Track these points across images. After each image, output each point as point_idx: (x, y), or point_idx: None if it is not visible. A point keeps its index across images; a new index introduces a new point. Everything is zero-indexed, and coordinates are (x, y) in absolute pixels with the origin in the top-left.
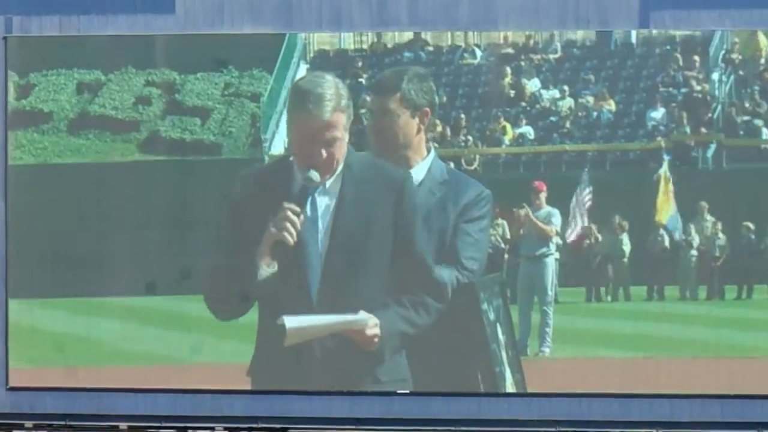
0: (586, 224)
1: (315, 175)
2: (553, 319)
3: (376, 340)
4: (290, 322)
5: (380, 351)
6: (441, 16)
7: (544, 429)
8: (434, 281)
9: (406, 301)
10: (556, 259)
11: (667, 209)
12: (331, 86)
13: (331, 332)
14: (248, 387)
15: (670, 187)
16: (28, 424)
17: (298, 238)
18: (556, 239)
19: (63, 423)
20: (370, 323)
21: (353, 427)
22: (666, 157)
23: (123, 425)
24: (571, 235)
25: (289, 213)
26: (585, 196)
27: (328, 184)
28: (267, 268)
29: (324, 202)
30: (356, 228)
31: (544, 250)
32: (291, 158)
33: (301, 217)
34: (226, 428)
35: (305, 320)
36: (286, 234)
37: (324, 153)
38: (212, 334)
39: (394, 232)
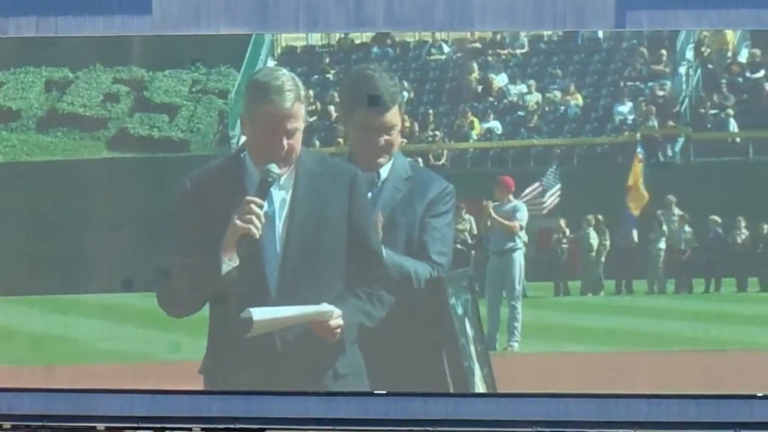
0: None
1: (274, 167)
2: (521, 313)
3: (338, 331)
4: (257, 314)
5: (341, 342)
6: (417, 17)
7: (521, 429)
8: (388, 274)
9: (362, 294)
10: (524, 254)
11: (641, 202)
12: (289, 78)
13: (297, 323)
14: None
15: (641, 178)
16: (6, 425)
17: None
18: (523, 234)
19: (41, 424)
20: (335, 314)
21: (330, 427)
22: (640, 151)
23: (100, 426)
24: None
25: (254, 206)
26: (553, 193)
27: (282, 178)
28: (229, 263)
29: (280, 196)
30: (311, 222)
31: (511, 245)
32: (242, 154)
33: (264, 209)
34: (203, 429)
35: (272, 312)
36: (251, 227)
37: (285, 144)
38: (190, 332)
39: (348, 226)
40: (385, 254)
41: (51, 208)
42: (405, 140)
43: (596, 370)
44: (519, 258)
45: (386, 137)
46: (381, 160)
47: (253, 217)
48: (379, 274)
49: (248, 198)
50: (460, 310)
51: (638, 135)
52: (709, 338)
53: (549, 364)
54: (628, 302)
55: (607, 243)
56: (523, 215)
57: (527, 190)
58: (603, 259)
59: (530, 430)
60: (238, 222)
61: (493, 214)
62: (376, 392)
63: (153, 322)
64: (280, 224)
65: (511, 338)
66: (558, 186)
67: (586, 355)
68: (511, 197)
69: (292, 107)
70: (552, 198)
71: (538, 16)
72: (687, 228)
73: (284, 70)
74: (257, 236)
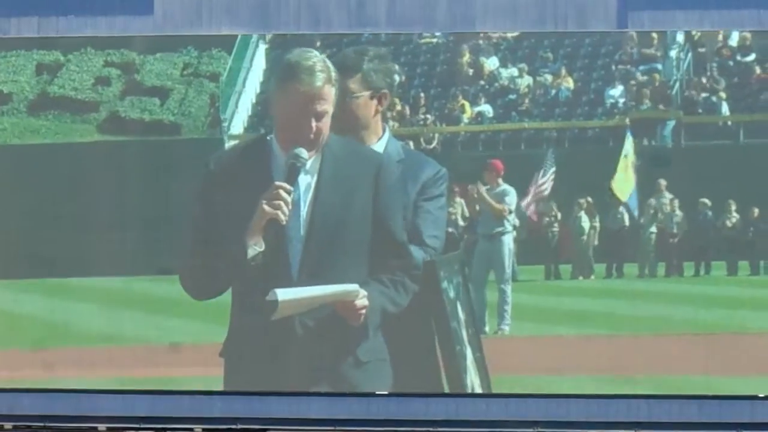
0: (542, 210)
1: (303, 152)
2: (511, 296)
3: (362, 312)
4: (282, 294)
5: (364, 327)
6: (419, 17)
7: (522, 430)
8: (412, 262)
9: (386, 280)
10: (514, 238)
11: (627, 188)
12: (320, 60)
13: (322, 303)
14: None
15: (630, 163)
16: (7, 425)
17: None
18: (512, 217)
19: (42, 425)
20: (360, 294)
21: (332, 427)
22: (629, 135)
23: (102, 427)
24: (527, 207)
25: (282, 192)
26: (548, 176)
27: (308, 163)
28: (255, 247)
29: (305, 180)
30: (336, 206)
31: (500, 228)
32: (269, 137)
33: (292, 195)
34: (205, 429)
35: (297, 292)
36: (279, 213)
37: (314, 126)
38: (188, 316)
39: (373, 212)
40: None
41: (42, 191)
42: (395, 123)
43: (587, 354)
44: (508, 241)
45: (345, 101)
46: (348, 132)
47: (281, 203)
48: (403, 261)
49: (277, 183)
50: (452, 294)
51: (628, 119)
52: (699, 322)
53: (540, 348)
54: (618, 286)
55: (597, 226)
56: (512, 199)
57: (541, 180)
58: (595, 242)
59: (531, 430)
60: (266, 207)
61: (484, 196)
62: (377, 393)
63: (152, 307)
64: (304, 208)
65: (501, 322)
66: (553, 169)
67: (578, 338)
68: (500, 180)
69: (322, 88)
70: (548, 181)
71: (539, 16)
72: (678, 212)
73: (316, 52)
74: (284, 222)
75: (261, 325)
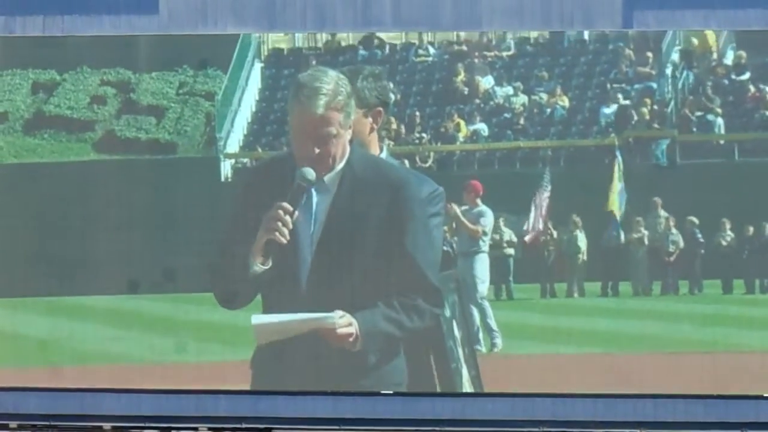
0: (542, 228)
1: (309, 172)
2: (491, 311)
3: (351, 339)
4: (255, 319)
5: (363, 353)
6: (424, 17)
7: (527, 429)
8: (429, 283)
9: (396, 303)
10: (509, 256)
11: (620, 203)
12: (330, 81)
13: (301, 330)
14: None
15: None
16: (13, 424)
17: (292, 233)
18: (487, 238)
19: (47, 423)
20: (341, 322)
21: (337, 427)
22: (617, 153)
23: (107, 425)
24: (528, 236)
25: (281, 212)
26: (544, 196)
27: (326, 179)
28: (261, 266)
29: (320, 199)
30: (349, 226)
31: (474, 248)
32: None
33: (296, 215)
34: (210, 428)
35: (271, 317)
36: (277, 234)
37: (316, 150)
38: (196, 334)
39: (388, 234)
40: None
41: (37, 211)
42: (391, 141)
43: (583, 372)
44: (482, 259)
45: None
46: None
47: (279, 224)
48: (416, 283)
49: (277, 203)
50: (447, 313)
51: (617, 139)
52: (694, 340)
53: (536, 366)
54: (613, 304)
55: (584, 244)
56: (487, 220)
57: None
58: (586, 260)
59: (537, 429)
60: (264, 229)
61: (459, 216)
62: (383, 392)
63: (158, 325)
64: (317, 226)
65: (491, 336)
66: (549, 188)
67: (573, 357)
68: (479, 201)
69: (323, 112)
70: (544, 201)
71: (545, 16)
72: (674, 230)
73: (332, 73)
74: (284, 242)
75: (272, 351)
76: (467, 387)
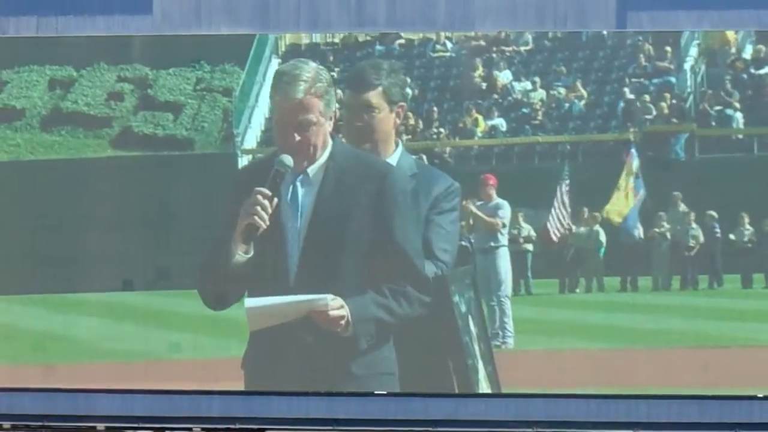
0: (567, 225)
1: (287, 158)
2: (511, 310)
3: (342, 322)
4: (249, 303)
5: (354, 338)
6: (418, 17)
7: (521, 429)
8: (417, 271)
9: (385, 290)
10: (528, 251)
11: (624, 209)
12: (310, 70)
13: (294, 314)
14: (240, 381)
15: (631, 183)
16: (6, 424)
17: (278, 225)
18: (506, 231)
19: (40, 424)
20: (333, 304)
21: (330, 427)
22: (633, 151)
23: (100, 426)
24: (550, 234)
25: (259, 197)
26: (564, 190)
27: (311, 173)
28: (243, 255)
29: (305, 191)
30: (336, 217)
31: (494, 243)
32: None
33: (275, 201)
34: (203, 429)
35: (264, 301)
36: (256, 218)
37: (297, 136)
38: (191, 330)
39: (374, 222)
40: (414, 253)
41: (55, 207)
42: (408, 137)
43: (601, 368)
44: (503, 255)
45: (365, 116)
46: (365, 145)
47: (258, 208)
48: (405, 271)
49: (256, 189)
50: (463, 308)
51: (631, 135)
52: (713, 335)
53: (553, 362)
54: (633, 299)
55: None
56: (505, 212)
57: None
58: (606, 256)
59: (530, 430)
60: (243, 214)
61: (475, 211)
62: (376, 392)
63: (153, 321)
64: (303, 219)
65: (504, 335)
66: (568, 182)
67: (591, 353)
68: (494, 195)
69: (302, 98)
70: (565, 195)
71: (539, 16)
72: (694, 224)
73: (312, 63)
74: (263, 227)
75: (275, 335)
76: (483, 383)
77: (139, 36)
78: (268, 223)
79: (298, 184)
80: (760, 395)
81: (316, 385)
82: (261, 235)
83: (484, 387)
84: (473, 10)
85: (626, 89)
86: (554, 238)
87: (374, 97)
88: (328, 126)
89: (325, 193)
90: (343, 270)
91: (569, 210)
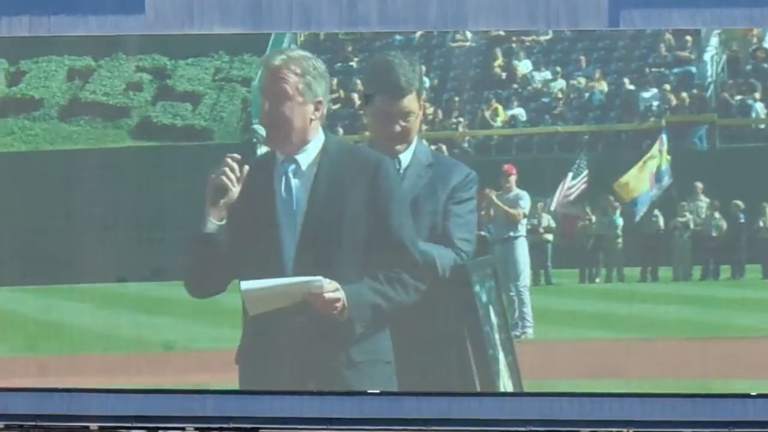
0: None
1: (260, 128)
2: (529, 299)
3: (338, 305)
4: (245, 285)
5: (350, 322)
6: (410, 15)
7: (515, 428)
8: (412, 259)
9: (380, 276)
10: (547, 241)
11: (636, 188)
12: (296, 51)
13: (290, 296)
14: (235, 375)
15: (652, 167)
16: None
17: (274, 216)
18: (526, 221)
19: (33, 423)
20: (329, 286)
21: (324, 427)
22: (664, 136)
23: (93, 426)
24: (555, 204)
25: (228, 160)
26: (579, 180)
27: (304, 165)
28: (215, 222)
29: (299, 183)
30: (331, 207)
31: (513, 233)
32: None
33: (245, 168)
34: (197, 428)
35: (260, 283)
36: (223, 178)
37: (267, 105)
38: (188, 320)
39: (369, 212)
40: (409, 241)
41: (74, 197)
42: (427, 127)
43: (621, 357)
44: (522, 245)
45: (403, 123)
46: (399, 147)
47: (227, 170)
48: (400, 258)
49: (227, 154)
50: (484, 298)
51: (664, 121)
52: (736, 325)
53: (574, 351)
54: (653, 289)
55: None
56: (526, 203)
57: (570, 183)
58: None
59: (524, 429)
60: (211, 176)
61: (497, 202)
62: (369, 391)
63: (150, 311)
64: (298, 210)
65: (523, 325)
66: (585, 172)
67: (612, 342)
68: (513, 185)
69: (279, 66)
70: (580, 184)
71: (531, 14)
72: (717, 215)
73: (302, 51)
74: (231, 188)
75: (259, 327)
76: (504, 373)
77: (134, 35)
78: (236, 185)
79: (291, 175)
80: (753, 393)
81: (313, 375)
82: (254, 227)
83: (505, 377)
84: (465, 9)
85: (672, 75)
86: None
87: (411, 102)
88: (310, 111)
89: (320, 185)
90: (340, 260)
91: (572, 199)
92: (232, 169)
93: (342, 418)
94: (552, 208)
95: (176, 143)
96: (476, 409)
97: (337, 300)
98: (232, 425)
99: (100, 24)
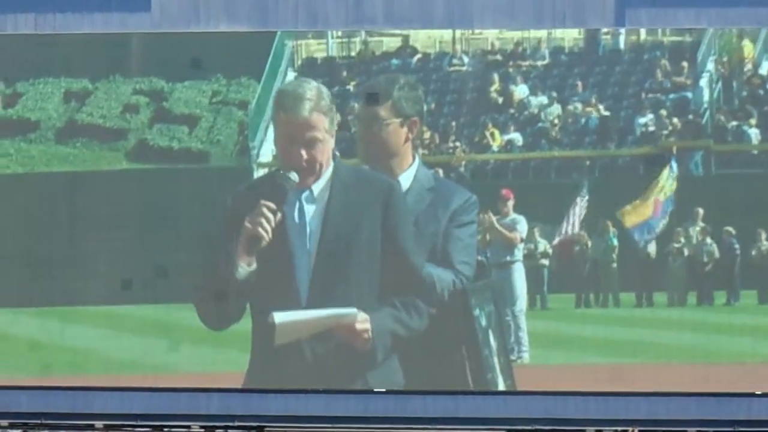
0: (575, 232)
1: (294, 175)
2: (525, 324)
3: (366, 336)
4: (280, 317)
5: (372, 351)
6: (417, 15)
7: (521, 427)
8: (424, 284)
9: (397, 303)
10: (544, 266)
11: (638, 217)
12: (313, 89)
13: (322, 327)
14: (241, 376)
15: (659, 197)
16: (4, 422)
17: (287, 242)
18: (522, 245)
19: (38, 422)
20: (360, 318)
21: (329, 425)
22: (674, 164)
23: (99, 424)
24: (558, 239)
25: (265, 209)
26: (583, 204)
27: (316, 191)
28: (246, 267)
29: (313, 209)
30: (345, 233)
31: (510, 257)
32: (281, 171)
33: (279, 215)
34: (202, 427)
35: (295, 315)
36: (260, 229)
37: (304, 154)
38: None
39: (383, 237)
40: (421, 266)
41: (71, 219)
42: (425, 151)
43: (612, 381)
44: (519, 269)
45: (375, 128)
46: (377, 158)
47: (263, 220)
48: (415, 284)
49: (261, 201)
50: (483, 322)
51: (656, 147)
52: (731, 351)
53: (571, 376)
54: (648, 314)
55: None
56: (523, 227)
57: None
58: (622, 271)
59: (529, 428)
60: (247, 224)
61: (496, 226)
62: (375, 390)
63: (153, 332)
64: (312, 236)
65: (519, 349)
66: (587, 198)
67: (608, 367)
68: (511, 210)
69: (309, 116)
70: (582, 210)
71: (537, 14)
72: (709, 240)
73: (313, 82)
74: (266, 239)
75: (274, 353)
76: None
77: (141, 36)
78: (271, 236)
79: (304, 201)
80: (759, 392)
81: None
82: (268, 254)
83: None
84: (471, 8)
85: (668, 101)
86: (557, 244)
87: (383, 109)
88: (332, 142)
89: (332, 210)
90: (354, 286)
91: (578, 221)
92: (269, 220)
93: (347, 417)
94: (569, 231)
95: (173, 166)
96: (482, 408)
97: (366, 330)
98: (237, 423)
99: (105, 22)
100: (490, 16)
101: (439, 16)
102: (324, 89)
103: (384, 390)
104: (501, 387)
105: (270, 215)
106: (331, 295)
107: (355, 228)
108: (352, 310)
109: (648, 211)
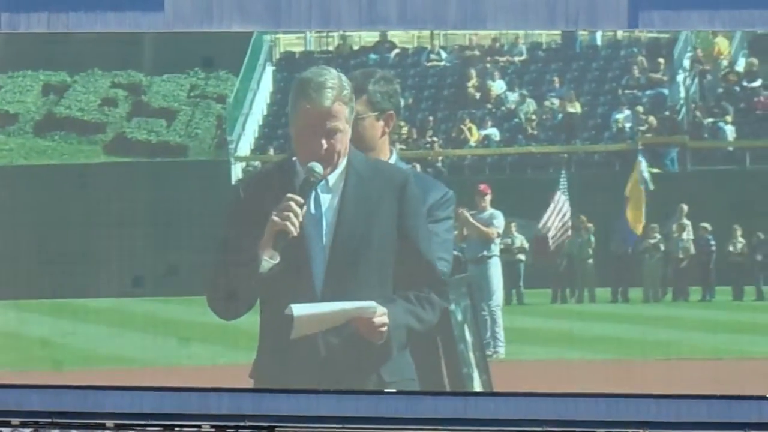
0: (561, 234)
1: (317, 166)
2: (502, 319)
3: (383, 329)
4: (298, 310)
5: (387, 345)
6: (430, 15)
7: (530, 429)
8: (439, 278)
9: (411, 296)
10: (520, 261)
11: (641, 215)
12: (334, 77)
13: (340, 321)
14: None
15: (641, 189)
16: (15, 421)
17: (302, 233)
18: (499, 241)
19: (49, 420)
20: (379, 311)
21: (340, 425)
22: (641, 159)
23: (109, 423)
24: (549, 243)
25: (292, 203)
26: (562, 198)
27: (331, 181)
28: (270, 260)
29: (327, 199)
30: (360, 224)
31: (486, 253)
32: (294, 158)
33: (304, 208)
34: (213, 426)
35: (313, 308)
36: (288, 224)
37: (324, 144)
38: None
39: (398, 230)
40: (434, 259)
41: (48, 214)
42: (402, 146)
43: (594, 378)
44: (495, 264)
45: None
46: None
47: (291, 215)
48: (429, 276)
49: (288, 195)
50: (459, 317)
51: (639, 143)
52: (706, 347)
53: (547, 371)
54: (624, 310)
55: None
56: (500, 222)
57: (557, 204)
58: (598, 266)
59: (539, 429)
60: (275, 218)
61: (472, 221)
62: (386, 390)
63: (161, 327)
64: (328, 227)
65: (495, 344)
66: (566, 193)
67: (584, 363)
68: (488, 204)
69: (331, 105)
70: (562, 205)
71: (550, 15)
72: (685, 236)
73: (333, 71)
74: (294, 233)
75: (285, 345)
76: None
77: (139, 39)
78: (299, 230)
79: (319, 191)
80: (718, 394)
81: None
82: (284, 246)
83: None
84: (484, 9)
85: (645, 97)
86: (551, 247)
87: (359, 103)
88: (350, 132)
89: (348, 201)
90: (369, 278)
91: (566, 218)
92: (296, 214)
93: (358, 417)
94: (546, 224)
95: (150, 159)
96: (492, 410)
97: (384, 325)
98: (248, 423)
99: (118, 21)
100: (503, 16)
101: (452, 17)
102: (344, 78)
103: (395, 390)
104: (476, 381)
105: (297, 209)
106: (345, 288)
107: (369, 220)
108: (372, 304)
109: (642, 207)
